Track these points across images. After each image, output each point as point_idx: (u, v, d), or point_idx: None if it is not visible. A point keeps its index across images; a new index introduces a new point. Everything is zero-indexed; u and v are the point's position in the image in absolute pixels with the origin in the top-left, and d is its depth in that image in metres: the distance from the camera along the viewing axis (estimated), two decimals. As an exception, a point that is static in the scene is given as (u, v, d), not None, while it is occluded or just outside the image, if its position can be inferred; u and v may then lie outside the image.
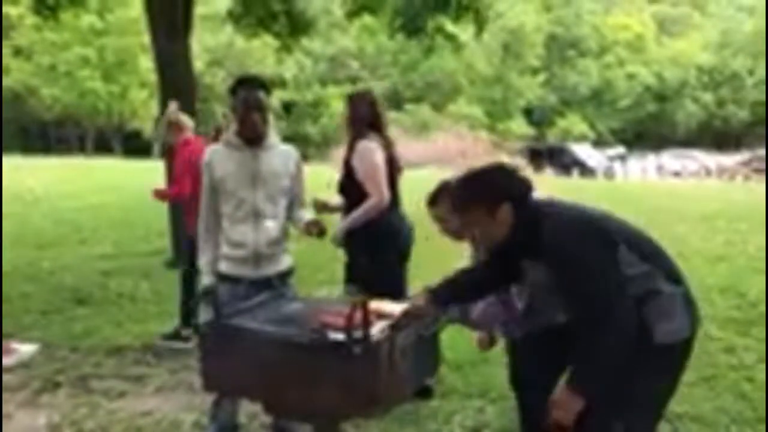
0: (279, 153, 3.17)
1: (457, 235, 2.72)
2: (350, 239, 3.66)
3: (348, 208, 3.67)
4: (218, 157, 3.12)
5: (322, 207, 3.70)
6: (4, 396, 4.30)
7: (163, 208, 8.01)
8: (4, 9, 28.89)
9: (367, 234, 3.60)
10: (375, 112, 3.68)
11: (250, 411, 3.77)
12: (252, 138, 3.08)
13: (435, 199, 2.81)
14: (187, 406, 4.08)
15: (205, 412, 3.85)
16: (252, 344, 2.18)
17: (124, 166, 19.94)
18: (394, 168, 3.73)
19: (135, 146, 31.86)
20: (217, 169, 3.11)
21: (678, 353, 2.30)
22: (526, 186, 2.31)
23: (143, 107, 30.11)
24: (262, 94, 3.05)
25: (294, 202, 3.25)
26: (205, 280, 3.10)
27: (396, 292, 3.67)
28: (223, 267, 3.14)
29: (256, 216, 3.10)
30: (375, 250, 3.60)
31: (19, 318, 5.91)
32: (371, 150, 3.57)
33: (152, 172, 13.05)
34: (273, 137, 3.17)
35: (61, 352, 5.08)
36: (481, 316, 2.62)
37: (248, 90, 3.05)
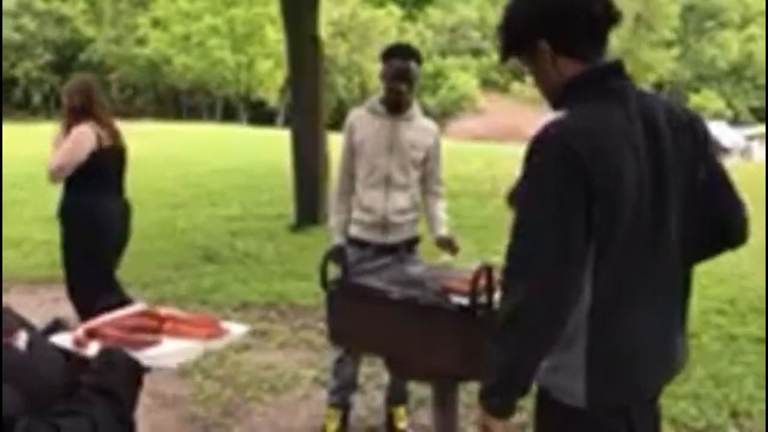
0: (419, 125, 3.19)
1: None
2: (65, 218, 3.97)
3: (67, 185, 3.96)
4: (360, 122, 3.20)
5: (446, 244, 3.17)
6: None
7: (288, 174, 8.31)
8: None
9: (80, 214, 3.91)
10: (89, 100, 3.93)
11: (367, 372, 3.88)
12: (395, 106, 3.12)
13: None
14: (307, 362, 4.25)
15: (324, 369, 4.00)
16: (377, 303, 2.23)
17: (250, 133, 20.75)
18: (115, 154, 3.99)
19: (260, 115, 33.04)
20: (357, 133, 3.18)
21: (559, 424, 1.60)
22: (574, 18, 1.54)
23: (269, 78, 31.10)
24: (413, 65, 3.08)
25: (428, 177, 3.23)
26: (336, 239, 3.21)
27: (100, 282, 3.92)
28: (353, 230, 3.22)
29: (388, 183, 3.14)
30: (83, 233, 3.91)
31: (155, 272, 6.34)
32: (82, 133, 3.83)
33: (276, 139, 13.53)
34: (415, 109, 3.20)
35: (191, 305, 5.41)
36: None
37: (401, 59, 3.08)
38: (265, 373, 4.12)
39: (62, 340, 1.49)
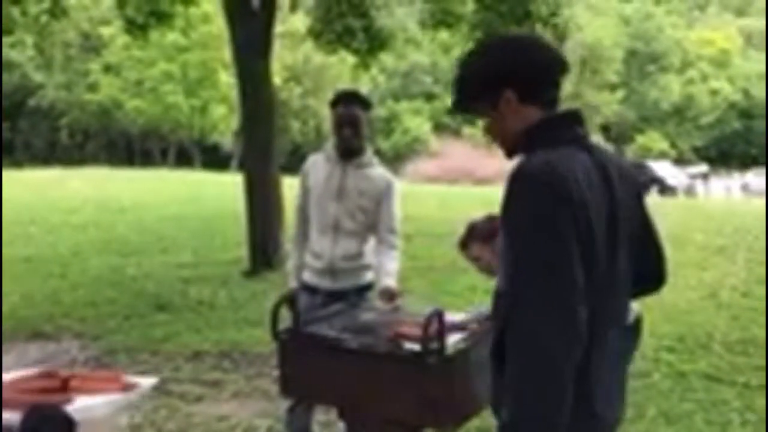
0: (370, 173, 3.18)
1: (493, 271, 2.69)
2: None
3: None
4: (313, 167, 3.23)
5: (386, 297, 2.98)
6: (90, 395, 4.50)
7: (242, 219, 8.25)
8: (98, 29, 30.43)
9: None
10: None
11: (322, 420, 3.83)
12: (344, 152, 3.15)
13: (465, 243, 2.81)
14: (262, 413, 4.17)
15: (279, 419, 3.93)
16: (328, 352, 2.22)
17: (204, 178, 20.59)
18: None
19: (214, 159, 32.84)
20: (310, 177, 3.22)
21: None
22: (540, 68, 1.59)
23: (223, 122, 31.02)
24: (357, 110, 3.11)
25: (379, 225, 3.18)
26: (290, 283, 3.20)
27: None
28: (306, 275, 3.22)
29: (336, 229, 3.15)
30: None
31: (104, 322, 6.19)
32: None
33: (230, 185, 13.45)
34: (369, 156, 3.21)
35: (142, 355, 5.28)
36: None
37: (344, 105, 3.12)
38: (219, 424, 4.02)
39: None
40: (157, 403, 4.35)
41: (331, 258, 3.16)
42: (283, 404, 3.45)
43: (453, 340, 2.15)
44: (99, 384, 1.86)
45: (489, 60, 1.62)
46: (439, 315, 2.06)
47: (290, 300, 2.59)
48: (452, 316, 2.30)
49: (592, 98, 43.42)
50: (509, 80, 1.57)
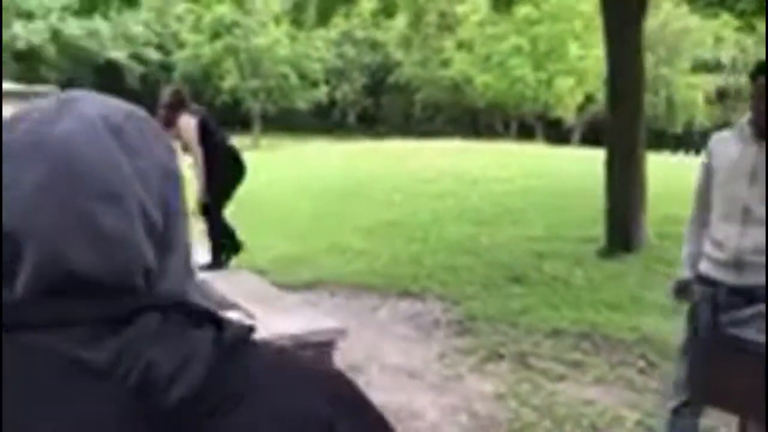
0: None
1: None
2: None
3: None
4: (720, 144, 2.89)
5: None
6: (457, 358, 4.72)
7: (594, 196, 7.96)
8: (454, 8, 32.10)
9: None
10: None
11: (706, 425, 3.45)
12: (764, 129, 2.74)
13: None
14: (628, 403, 3.94)
15: (648, 413, 3.68)
16: (762, 361, 1.91)
17: (547, 152, 20.46)
18: None
19: (555, 133, 32.60)
20: (715, 157, 2.89)
21: None
22: None
23: (568, 95, 30.52)
24: None
25: None
26: (682, 272, 2.93)
27: None
28: (702, 266, 2.89)
29: (745, 217, 2.76)
30: None
31: (463, 288, 6.46)
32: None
33: (573, 159, 13.16)
34: None
35: (501, 326, 5.38)
36: None
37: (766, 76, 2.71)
38: (584, 408, 3.90)
39: None
40: (519, 376, 4.39)
41: (737, 249, 2.77)
42: (651, 397, 3.18)
43: None
44: None
45: None
46: None
47: (683, 290, 2.31)
48: None
49: None
50: None
